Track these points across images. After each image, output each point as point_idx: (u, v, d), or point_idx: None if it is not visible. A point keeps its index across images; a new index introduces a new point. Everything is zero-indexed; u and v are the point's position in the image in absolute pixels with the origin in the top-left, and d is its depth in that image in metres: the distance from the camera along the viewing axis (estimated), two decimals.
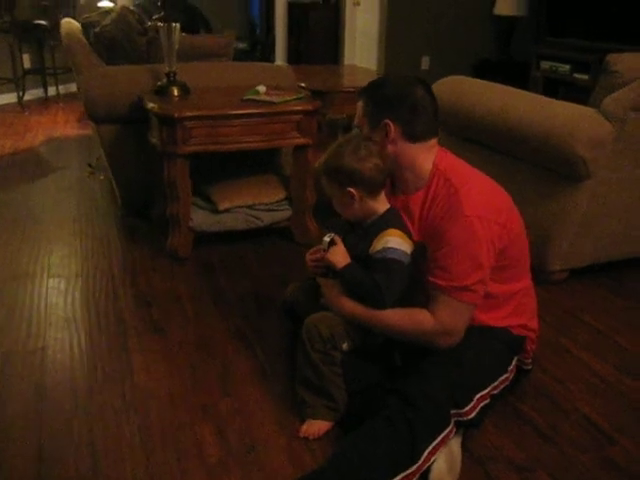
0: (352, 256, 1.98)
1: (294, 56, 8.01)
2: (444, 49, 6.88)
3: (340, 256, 1.99)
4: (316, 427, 1.97)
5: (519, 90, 3.06)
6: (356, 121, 2.02)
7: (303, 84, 4.06)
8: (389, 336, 1.98)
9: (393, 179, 2.03)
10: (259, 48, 7.82)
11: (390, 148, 1.94)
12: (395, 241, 1.91)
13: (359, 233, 2.02)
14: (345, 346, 1.97)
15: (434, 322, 1.86)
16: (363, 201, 1.96)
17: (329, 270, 2.06)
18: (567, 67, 5.89)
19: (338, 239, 2.02)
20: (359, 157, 1.92)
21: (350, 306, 1.96)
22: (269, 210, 3.20)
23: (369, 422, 1.76)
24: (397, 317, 1.92)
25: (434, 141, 1.96)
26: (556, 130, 2.66)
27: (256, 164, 3.40)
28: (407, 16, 6.93)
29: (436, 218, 1.88)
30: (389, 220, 1.97)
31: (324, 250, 2.02)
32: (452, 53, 6.72)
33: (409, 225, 1.98)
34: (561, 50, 5.97)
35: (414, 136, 1.92)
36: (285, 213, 3.24)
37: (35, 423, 2.02)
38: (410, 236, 1.95)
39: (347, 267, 1.96)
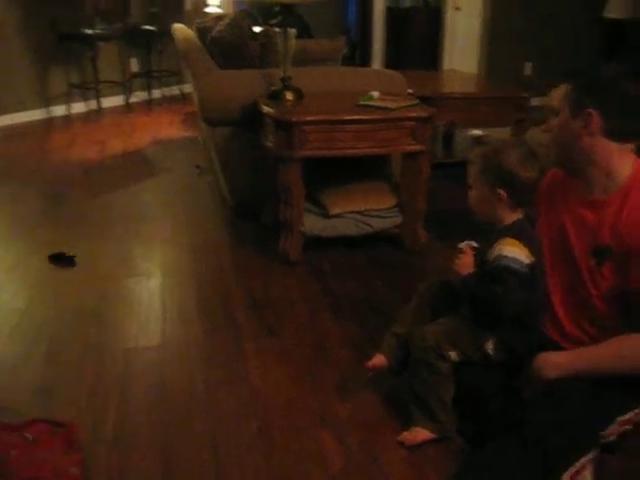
0: (481, 264, 1.94)
1: (392, 61, 7.97)
2: (549, 55, 6.70)
3: (462, 266, 1.94)
4: (413, 435, 1.95)
5: None
6: (555, 103, 1.91)
7: (410, 90, 4.02)
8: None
9: (577, 174, 1.89)
10: (358, 53, 7.82)
11: (586, 140, 1.78)
12: (508, 249, 1.83)
13: (488, 239, 1.98)
14: (453, 355, 1.92)
15: None
16: (502, 205, 1.90)
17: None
18: None
19: (467, 248, 1.98)
20: (525, 164, 1.85)
21: (567, 363, 1.81)
22: (379, 217, 3.19)
23: (499, 442, 1.70)
24: (616, 350, 1.76)
25: (632, 145, 1.81)
26: None
27: (366, 170, 3.39)
28: (510, 21, 6.80)
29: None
30: (513, 230, 1.89)
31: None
32: (557, 59, 6.53)
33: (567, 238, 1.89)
34: None
35: (616, 133, 1.76)
36: (395, 220, 3.22)
37: (158, 421, 2.07)
38: (535, 250, 1.87)
39: (465, 278, 1.92)
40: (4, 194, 4.38)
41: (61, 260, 3.23)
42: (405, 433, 1.96)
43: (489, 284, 1.84)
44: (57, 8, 6.33)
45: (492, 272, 1.84)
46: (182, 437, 2.00)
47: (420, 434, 1.95)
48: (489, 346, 1.90)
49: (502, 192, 1.87)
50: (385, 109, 3.00)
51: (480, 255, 1.94)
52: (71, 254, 3.24)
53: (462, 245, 1.99)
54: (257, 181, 3.42)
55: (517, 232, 1.87)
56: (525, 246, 1.84)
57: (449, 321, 1.97)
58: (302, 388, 2.22)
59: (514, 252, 1.83)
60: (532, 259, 1.85)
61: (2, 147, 5.67)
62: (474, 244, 1.99)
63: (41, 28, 6.28)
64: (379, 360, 2.14)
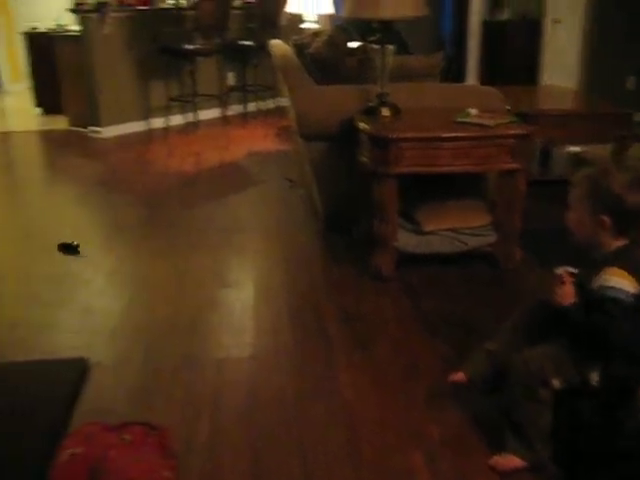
0: (583, 291, 1.87)
1: (487, 76, 7.87)
2: None
3: (564, 297, 1.85)
4: (506, 460, 1.89)
5: None
6: None
7: (508, 106, 3.96)
8: None
9: None
10: (454, 68, 7.77)
11: None
12: (614, 280, 1.76)
13: (589, 266, 1.91)
14: (556, 383, 1.84)
15: None
16: (605, 232, 1.84)
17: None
18: None
19: (566, 275, 1.89)
20: (634, 189, 1.78)
21: None
22: (474, 234, 3.15)
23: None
24: None
25: None
26: None
27: (461, 187, 3.36)
28: (612, 34, 6.59)
29: None
30: (618, 257, 1.82)
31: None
32: None
33: None
34: None
35: None
36: (490, 238, 3.17)
37: (249, 428, 2.12)
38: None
39: (567, 308, 1.84)
40: (108, 201, 4.59)
41: (68, 249, 3.58)
42: (497, 457, 1.92)
43: (594, 315, 1.77)
44: (160, 24, 6.60)
45: (597, 302, 1.78)
46: (272, 446, 2.03)
47: (513, 461, 1.89)
48: (594, 378, 1.83)
49: (606, 218, 1.81)
50: (483, 126, 2.96)
51: (581, 282, 1.87)
52: (76, 244, 3.60)
53: (560, 271, 1.90)
54: (350, 196, 3.44)
55: (623, 260, 1.80)
56: (632, 275, 1.77)
57: (551, 348, 1.89)
58: (393, 405, 2.21)
59: (620, 283, 1.76)
60: (638, 289, 1.77)
61: (108, 157, 5.94)
62: (571, 269, 1.91)
63: (145, 44, 6.56)
64: (458, 376, 2.15)
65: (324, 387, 2.33)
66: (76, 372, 0.85)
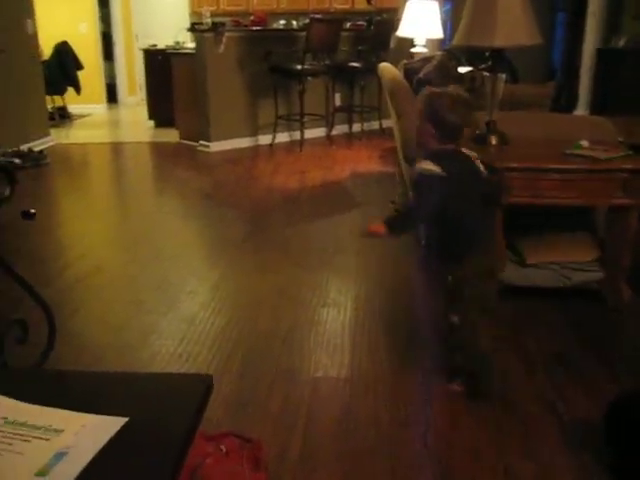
0: None
1: (599, 105, 7.65)
2: None
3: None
4: None
5: None
6: None
7: (621, 138, 3.84)
8: None
9: None
10: (564, 96, 7.60)
11: None
12: (418, 165, 2.24)
13: None
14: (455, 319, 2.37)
15: None
16: (431, 138, 2.27)
17: None
18: None
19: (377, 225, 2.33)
20: (452, 111, 2.24)
21: None
22: (580, 270, 3.06)
23: None
24: None
25: None
26: None
27: (566, 219, 3.28)
28: None
29: None
30: (430, 154, 2.25)
31: None
32: None
33: None
34: None
35: None
36: (597, 274, 3.07)
37: (341, 448, 2.14)
38: (455, 171, 2.20)
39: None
40: (215, 214, 4.75)
41: (26, 215, 3.99)
42: None
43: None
44: (272, 45, 6.79)
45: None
46: (363, 469, 2.04)
47: None
48: (454, 318, 2.36)
49: (429, 127, 2.27)
50: (594, 159, 2.89)
51: None
52: (33, 211, 3.86)
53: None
54: None
55: (433, 155, 2.24)
56: (436, 164, 2.18)
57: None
58: (487, 439, 2.18)
59: (421, 166, 2.22)
60: (443, 174, 2.17)
61: (215, 171, 6.17)
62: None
63: (256, 63, 6.76)
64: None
65: (418, 414, 2.32)
66: (202, 387, 0.90)
